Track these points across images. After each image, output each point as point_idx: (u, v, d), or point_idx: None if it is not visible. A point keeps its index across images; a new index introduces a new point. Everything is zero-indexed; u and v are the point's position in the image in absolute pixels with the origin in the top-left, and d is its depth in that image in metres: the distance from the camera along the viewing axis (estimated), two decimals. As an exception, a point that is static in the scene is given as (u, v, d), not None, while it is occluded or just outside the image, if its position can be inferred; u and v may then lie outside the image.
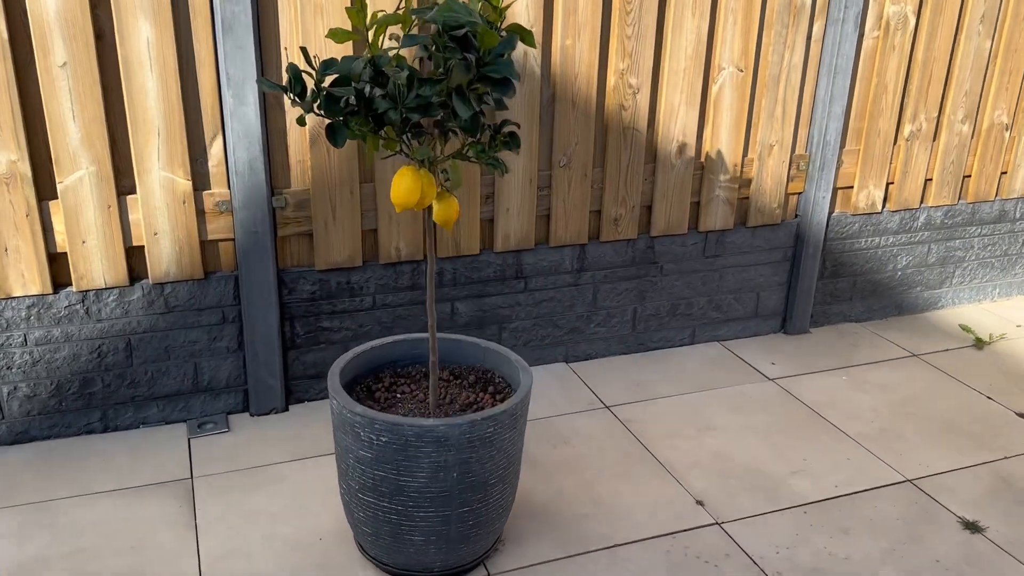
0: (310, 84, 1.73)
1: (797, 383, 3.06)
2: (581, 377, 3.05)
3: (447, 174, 1.91)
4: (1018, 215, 3.71)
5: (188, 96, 2.43)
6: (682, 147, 2.99)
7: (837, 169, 3.25)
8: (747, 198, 3.19)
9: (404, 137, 1.82)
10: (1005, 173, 3.60)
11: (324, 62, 1.73)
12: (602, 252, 3.04)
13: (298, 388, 2.83)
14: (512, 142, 1.76)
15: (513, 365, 2.18)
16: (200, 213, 2.54)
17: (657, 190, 3.02)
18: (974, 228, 3.62)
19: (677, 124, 2.96)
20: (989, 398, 2.99)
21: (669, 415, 2.83)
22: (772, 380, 3.08)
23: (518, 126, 1.84)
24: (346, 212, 2.68)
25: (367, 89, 1.78)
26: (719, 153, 3.05)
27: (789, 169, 3.20)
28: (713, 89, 2.98)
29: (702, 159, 3.07)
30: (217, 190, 2.54)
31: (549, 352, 3.11)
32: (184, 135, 2.43)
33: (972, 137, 3.46)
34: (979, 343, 3.35)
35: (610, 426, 2.75)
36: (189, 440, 2.62)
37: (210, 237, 2.57)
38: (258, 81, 1.74)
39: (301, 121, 1.81)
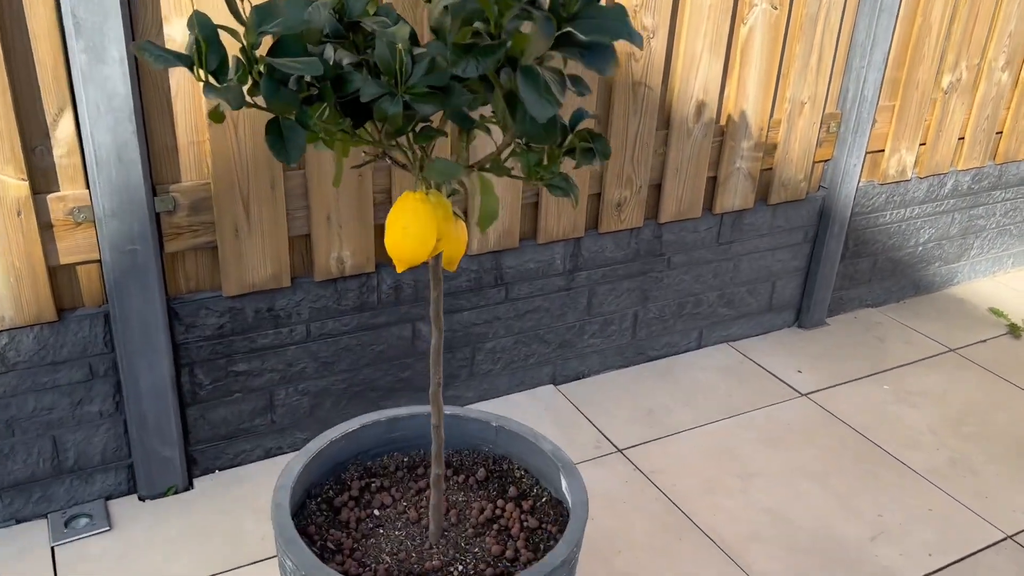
0: (234, 51, 0.98)
1: (833, 398, 2.50)
2: (575, 404, 2.39)
3: (458, 193, 1.16)
4: (1038, 174, 3.24)
5: (13, 51, 1.56)
6: (701, 107, 2.31)
7: (871, 129, 2.65)
8: (770, 168, 2.55)
9: (407, 139, 1.07)
10: (1032, 127, 3.11)
11: (259, 8, 0.95)
12: (601, 246, 2.35)
13: (205, 455, 2.06)
14: (597, 148, 1.03)
15: (545, 455, 1.49)
16: (45, 227, 1.70)
17: (669, 164, 2.34)
18: (999, 192, 3.13)
19: (698, 78, 2.27)
20: (1054, 407, 2.52)
21: (698, 457, 2.22)
22: (805, 395, 2.51)
23: (597, 118, 1.10)
24: (266, 213, 1.88)
25: (335, 57, 1.01)
26: (743, 115, 2.39)
27: (819, 132, 2.57)
28: (742, 31, 2.29)
29: (723, 123, 2.41)
30: (69, 191, 1.70)
31: (534, 373, 2.43)
32: (11, 111, 1.57)
33: (1013, 87, 2.93)
34: (1015, 330, 2.89)
35: (631, 480, 2.12)
36: (52, 548, 1.83)
37: (64, 261, 1.73)
38: (136, 48, 0.94)
39: (216, 117, 1.02)
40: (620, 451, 2.24)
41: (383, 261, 2.10)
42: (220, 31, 0.95)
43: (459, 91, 1.00)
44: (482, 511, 1.47)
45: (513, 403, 2.39)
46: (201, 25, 0.90)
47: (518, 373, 2.40)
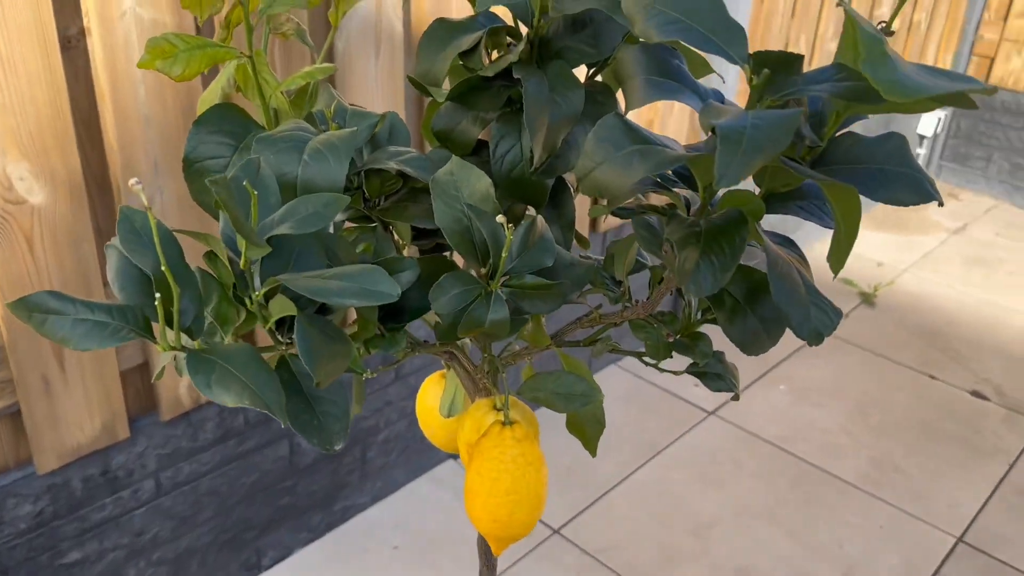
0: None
1: (739, 411, 2.35)
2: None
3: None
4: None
5: None
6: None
7: (731, 118, 2.49)
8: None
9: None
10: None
11: (241, 178, 0.49)
12: (492, 295, 1.99)
13: None
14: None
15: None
16: None
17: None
18: (825, 160, 3.14)
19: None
20: (932, 377, 2.55)
21: (641, 518, 1.96)
22: (712, 414, 2.34)
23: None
24: (86, 352, 1.32)
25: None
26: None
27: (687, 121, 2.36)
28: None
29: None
30: None
31: (432, 452, 2.04)
32: None
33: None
34: (867, 299, 2.92)
35: (581, 569, 1.82)
36: None
37: None
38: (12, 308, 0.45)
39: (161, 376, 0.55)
40: (557, 532, 1.92)
41: (245, 371, 1.60)
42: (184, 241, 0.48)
43: (579, 267, 0.61)
44: None
45: (415, 495, 1.99)
46: (165, 247, 0.43)
47: (415, 458, 2.00)
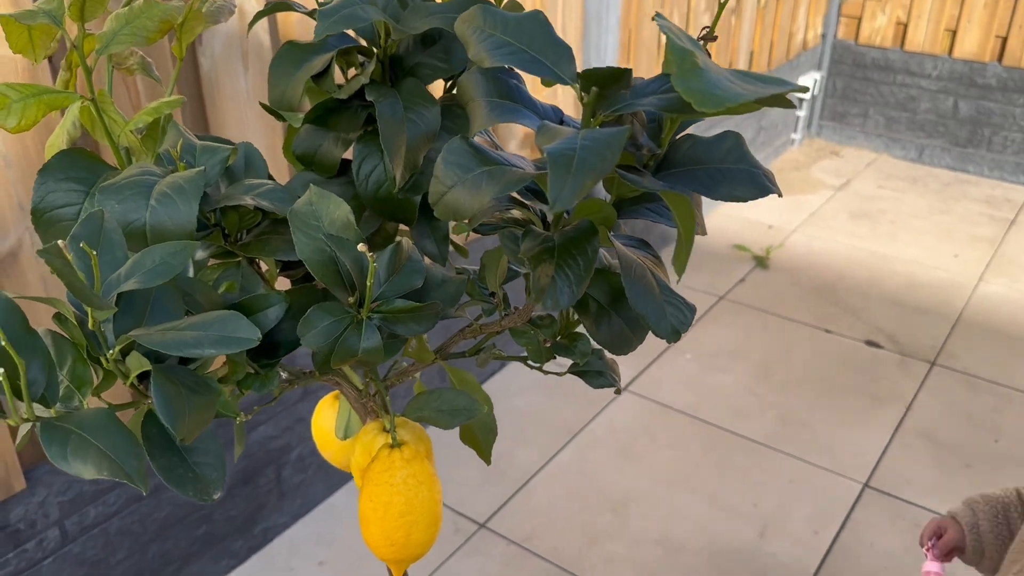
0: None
1: (650, 384, 2.41)
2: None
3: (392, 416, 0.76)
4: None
5: None
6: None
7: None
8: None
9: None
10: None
11: (81, 235, 0.48)
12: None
13: None
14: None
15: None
16: None
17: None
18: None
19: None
20: (828, 331, 2.66)
21: (563, 503, 1.99)
22: (625, 391, 2.39)
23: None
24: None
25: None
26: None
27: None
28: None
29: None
30: None
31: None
32: None
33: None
34: (761, 262, 3.02)
35: (509, 559, 1.84)
36: None
37: None
38: None
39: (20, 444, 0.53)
40: (483, 526, 1.94)
41: (144, 404, 1.55)
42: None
43: (450, 283, 0.61)
44: None
45: (336, 508, 1.97)
46: (3, 317, 0.42)
47: (332, 472, 1.98)
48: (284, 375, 0.65)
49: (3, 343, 0.41)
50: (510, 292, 0.73)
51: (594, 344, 0.72)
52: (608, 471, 2.10)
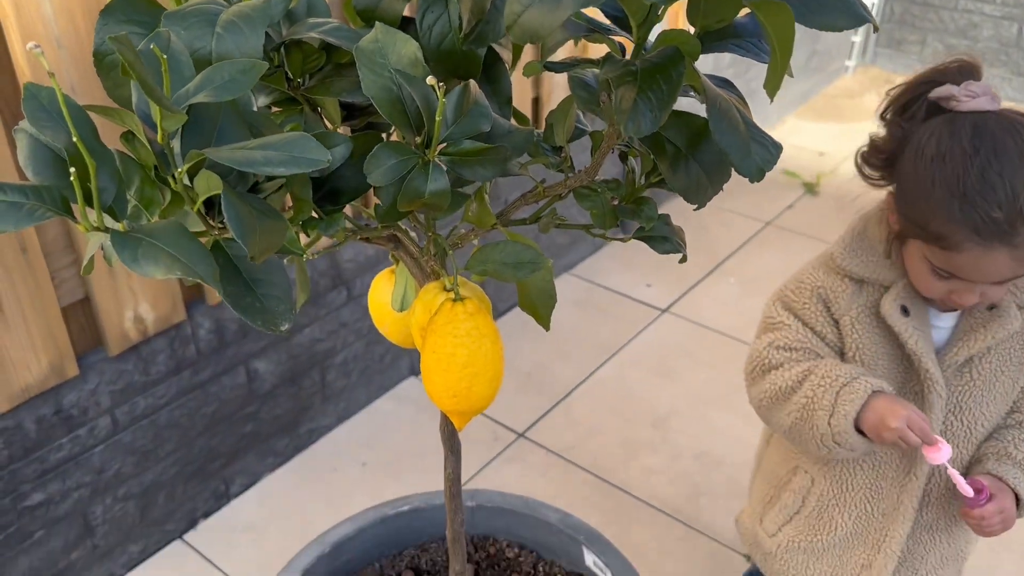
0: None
1: (691, 306, 2.39)
2: (448, 394, 2.05)
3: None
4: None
5: None
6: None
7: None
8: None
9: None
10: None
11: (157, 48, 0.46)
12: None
13: (17, 628, 1.47)
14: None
15: (551, 527, 1.16)
16: None
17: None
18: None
19: None
20: (876, 259, 2.60)
21: (602, 415, 2.00)
22: (666, 311, 2.37)
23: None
24: (22, 289, 1.28)
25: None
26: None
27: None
28: None
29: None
30: None
31: (392, 372, 2.04)
32: None
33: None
34: (811, 188, 2.95)
35: (548, 467, 1.86)
36: None
37: None
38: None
39: (88, 269, 0.53)
40: (522, 435, 1.95)
41: (193, 298, 1.57)
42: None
43: (517, 134, 0.59)
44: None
45: (379, 413, 2.00)
46: (75, 120, 0.41)
47: (375, 378, 2.00)
48: (348, 225, 0.64)
49: (75, 140, 0.40)
50: (574, 157, 0.71)
51: (660, 209, 0.70)
52: (647, 388, 2.09)
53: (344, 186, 0.61)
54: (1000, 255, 0.88)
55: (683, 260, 0.71)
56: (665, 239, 0.68)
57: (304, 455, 1.88)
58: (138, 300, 1.44)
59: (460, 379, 0.62)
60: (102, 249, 0.51)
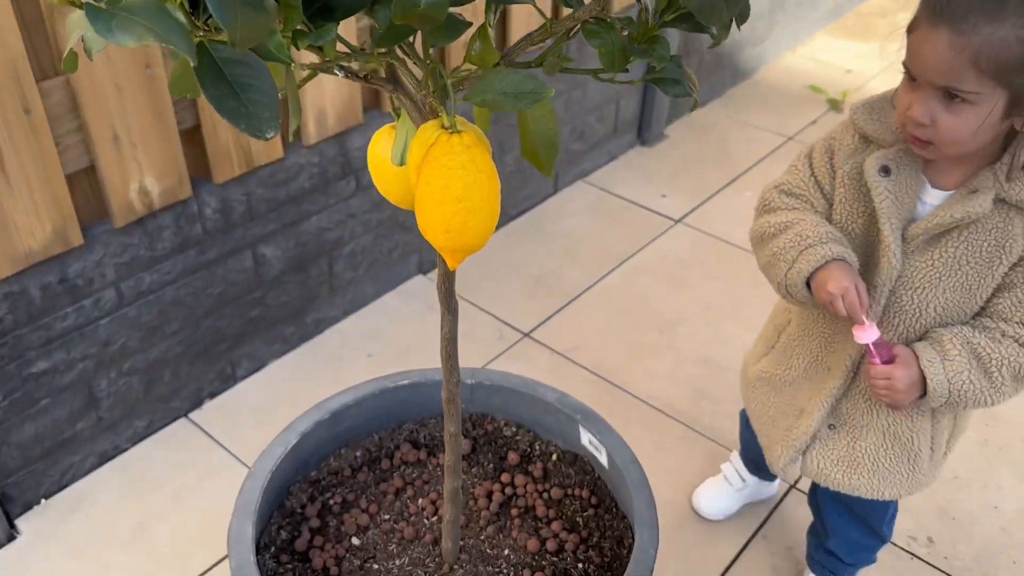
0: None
1: (706, 218, 2.35)
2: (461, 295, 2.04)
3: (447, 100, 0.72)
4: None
5: None
6: (539, -92, 1.88)
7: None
8: (609, -27, 2.20)
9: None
10: None
11: None
12: (452, 101, 1.93)
13: (22, 487, 1.51)
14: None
15: (549, 406, 1.17)
16: None
17: (512, -15, 1.92)
18: (795, -38, 3.01)
19: None
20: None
21: (610, 319, 1.99)
22: (679, 222, 2.34)
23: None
24: (25, 151, 1.27)
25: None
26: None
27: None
28: None
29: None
30: None
31: (400, 268, 2.03)
32: None
33: None
34: (835, 105, 2.88)
35: (553, 366, 1.86)
36: None
37: None
38: None
39: (71, 65, 0.51)
40: (527, 335, 1.95)
41: (200, 176, 1.55)
42: None
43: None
44: (490, 496, 1.14)
45: (386, 307, 2.00)
46: None
47: (383, 272, 1.99)
48: (342, 48, 0.62)
49: None
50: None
51: (673, 50, 0.67)
52: (656, 295, 2.08)
53: (337, 3, 0.58)
54: (941, 37, 0.87)
55: (694, 108, 0.68)
56: (676, 82, 0.65)
57: (310, 344, 1.89)
58: (143, 172, 1.43)
59: (455, 213, 0.60)
60: (82, 41, 0.49)
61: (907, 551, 1.51)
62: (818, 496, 1.30)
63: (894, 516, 1.29)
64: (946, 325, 1.03)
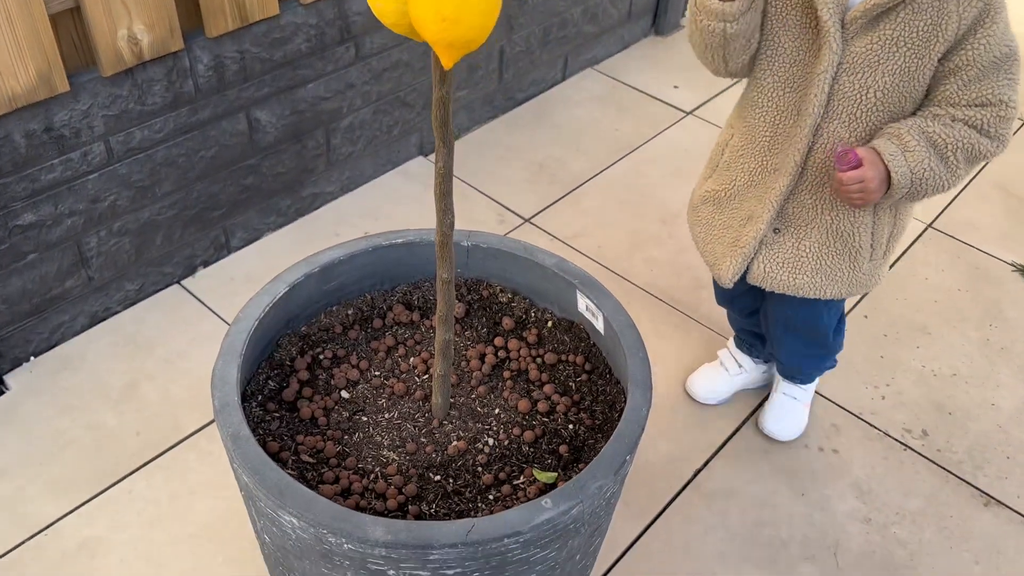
0: None
1: (719, 112, 2.28)
2: (457, 174, 1.99)
3: None
4: None
5: None
6: None
7: None
8: None
9: None
10: None
11: None
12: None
13: (11, 343, 1.49)
14: None
15: (546, 271, 1.13)
16: None
17: None
18: None
19: None
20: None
21: (613, 208, 1.95)
22: (690, 114, 2.27)
23: None
24: (6, -16, 1.20)
25: None
26: None
27: None
28: None
29: None
30: None
31: (400, 146, 1.97)
32: None
33: None
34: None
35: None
36: None
37: None
38: None
39: None
40: (528, 220, 1.91)
41: (191, 29, 1.48)
42: None
43: None
44: (482, 358, 1.11)
45: (385, 186, 1.95)
46: None
47: (383, 150, 1.94)
48: None
49: None
50: None
51: None
52: (661, 187, 2.03)
53: None
54: None
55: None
56: None
57: (307, 218, 1.85)
58: (132, 18, 1.36)
59: (442, 2, 0.55)
60: None
61: (900, 442, 1.50)
62: (767, 315, 1.36)
63: (841, 326, 1.37)
64: (890, 114, 1.06)
